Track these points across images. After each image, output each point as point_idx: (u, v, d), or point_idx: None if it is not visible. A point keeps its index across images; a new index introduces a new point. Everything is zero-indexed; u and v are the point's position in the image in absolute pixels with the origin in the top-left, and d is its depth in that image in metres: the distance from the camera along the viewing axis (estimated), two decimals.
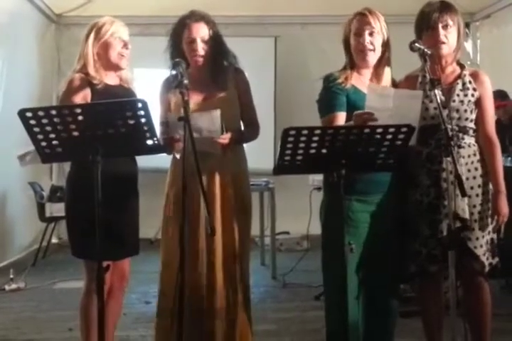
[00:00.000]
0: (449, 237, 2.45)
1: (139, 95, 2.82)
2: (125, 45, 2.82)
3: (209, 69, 2.92)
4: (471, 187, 2.66)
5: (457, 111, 2.66)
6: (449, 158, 2.43)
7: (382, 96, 2.46)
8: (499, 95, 5.01)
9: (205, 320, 2.85)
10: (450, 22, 2.68)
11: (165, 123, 2.82)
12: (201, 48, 2.85)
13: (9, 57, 5.42)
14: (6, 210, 5.70)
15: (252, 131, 3.00)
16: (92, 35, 2.81)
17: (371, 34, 2.67)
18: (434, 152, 2.67)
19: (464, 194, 2.36)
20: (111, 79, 2.85)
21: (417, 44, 2.59)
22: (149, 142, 2.36)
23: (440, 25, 2.66)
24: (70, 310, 4.01)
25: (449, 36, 2.68)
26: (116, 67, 2.84)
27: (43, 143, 2.30)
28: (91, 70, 2.77)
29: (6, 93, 5.31)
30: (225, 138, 2.76)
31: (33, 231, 6.13)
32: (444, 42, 2.66)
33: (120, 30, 2.83)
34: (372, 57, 2.70)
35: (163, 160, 2.96)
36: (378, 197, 2.69)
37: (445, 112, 2.56)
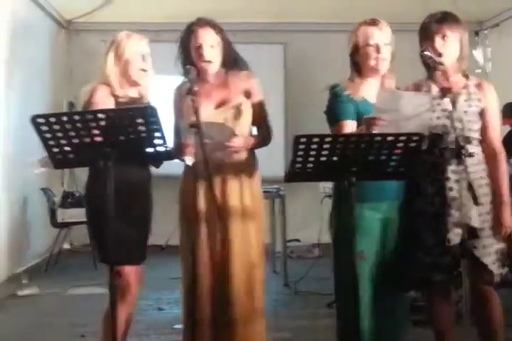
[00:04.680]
0: (460, 246, 2.43)
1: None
2: (144, 59, 2.87)
3: (219, 75, 2.92)
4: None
5: (460, 121, 2.66)
6: (459, 167, 2.42)
7: (392, 98, 2.46)
8: (509, 110, 4.90)
9: (223, 329, 2.83)
10: (448, 33, 2.67)
11: (179, 131, 2.83)
12: (209, 54, 2.84)
13: (23, 64, 5.47)
14: (24, 216, 5.75)
15: (265, 135, 2.98)
16: (111, 54, 2.86)
17: (384, 44, 2.67)
18: (438, 161, 2.67)
19: (476, 202, 2.35)
20: (132, 93, 2.91)
21: (426, 52, 2.61)
22: (160, 149, 2.38)
23: (438, 36, 2.66)
24: (83, 316, 4.04)
25: (447, 47, 2.67)
26: (136, 84, 2.90)
27: (55, 149, 2.33)
28: (116, 87, 2.83)
29: (22, 100, 5.37)
30: (237, 141, 2.76)
31: (46, 237, 6.16)
32: (441, 53, 2.65)
33: (137, 45, 2.87)
34: (384, 67, 2.70)
35: (175, 167, 2.96)
36: (388, 205, 2.69)
37: (448, 122, 2.57)
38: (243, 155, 2.88)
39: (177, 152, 2.69)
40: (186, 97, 2.75)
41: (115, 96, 2.82)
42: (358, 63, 2.73)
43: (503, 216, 2.66)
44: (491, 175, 2.71)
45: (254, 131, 2.99)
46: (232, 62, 2.93)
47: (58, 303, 4.62)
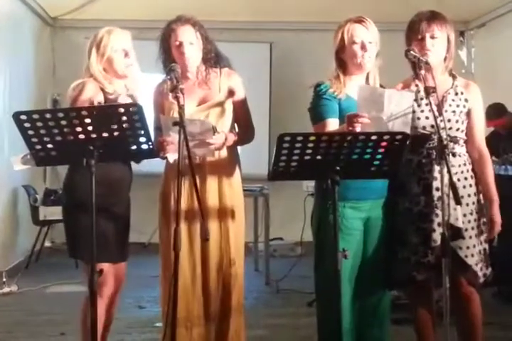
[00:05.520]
0: (442, 246, 2.45)
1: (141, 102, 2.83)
2: (127, 54, 2.85)
3: (200, 72, 2.91)
4: (461, 197, 2.62)
5: (449, 121, 2.67)
6: (442, 166, 2.44)
7: (373, 95, 2.45)
8: (496, 111, 4.93)
9: (199, 325, 2.85)
10: (437, 32, 2.67)
11: (159, 128, 2.80)
12: (189, 51, 2.83)
13: (10, 61, 5.42)
14: (13, 214, 5.70)
15: (247, 133, 2.98)
16: (93, 52, 2.84)
17: (369, 42, 2.67)
18: (424, 160, 2.68)
19: (458, 202, 2.37)
20: (119, 87, 2.89)
21: (412, 52, 2.60)
22: (144, 146, 2.38)
23: (427, 35, 2.66)
24: (63, 314, 4.02)
25: (435, 46, 2.67)
26: (124, 77, 2.88)
27: (38, 147, 2.32)
28: (104, 83, 2.81)
29: (6, 97, 5.31)
30: (218, 138, 2.75)
31: (29, 235, 6.11)
32: (430, 52, 2.66)
33: (119, 41, 2.85)
34: (369, 65, 2.71)
35: (157, 165, 2.95)
36: (371, 204, 2.69)
37: (436, 122, 2.56)
38: (224, 153, 2.88)
39: (158, 149, 2.68)
40: (168, 95, 2.74)
41: (104, 92, 2.81)
42: (343, 60, 2.73)
43: (494, 213, 2.70)
44: (479, 176, 2.75)
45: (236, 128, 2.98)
46: (213, 59, 2.92)
47: (38, 301, 4.58)
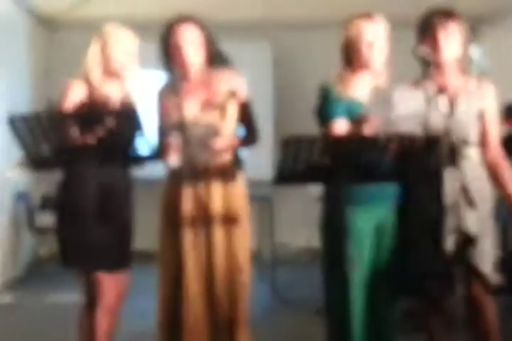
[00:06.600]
0: (455, 252, 2.37)
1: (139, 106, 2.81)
2: (129, 56, 2.81)
3: (202, 73, 2.86)
4: (474, 201, 2.58)
5: (460, 122, 2.60)
6: (454, 170, 2.42)
7: (383, 95, 2.44)
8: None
9: (205, 335, 2.80)
10: (453, 28, 2.61)
11: (163, 132, 2.78)
12: (190, 52, 2.79)
13: (3, 62, 5.41)
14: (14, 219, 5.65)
15: (251, 135, 2.93)
16: (96, 47, 2.80)
17: (379, 39, 2.63)
18: (434, 164, 2.58)
19: (471, 205, 2.36)
20: (113, 89, 2.83)
21: (421, 50, 2.56)
22: (142, 150, 2.43)
23: (442, 31, 2.60)
24: (62, 325, 3.95)
25: (451, 42, 2.61)
26: (119, 78, 2.84)
27: (33, 151, 2.32)
28: (95, 82, 2.76)
29: (3, 99, 5.27)
30: (221, 142, 2.71)
31: (26, 243, 6.04)
32: (445, 48, 2.59)
33: (123, 40, 2.82)
34: (378, 63, 2.65)
35: (156, 171, 2.89)
36: (384, 208, 2.64)
37: (448, 123, 2.52)
38: (228, 157, 2.84)
39: (162, 153, 2.66)
40: (170, 97, 2.73)
41: (93, 94, 2.74)
42: (351, 59, 2.67)
43: None
44: (498, 183, 2.67)
45: (240, 131, 2.94)
46: (215, 59, 2.88)
47: (36, 312, 4.53)
